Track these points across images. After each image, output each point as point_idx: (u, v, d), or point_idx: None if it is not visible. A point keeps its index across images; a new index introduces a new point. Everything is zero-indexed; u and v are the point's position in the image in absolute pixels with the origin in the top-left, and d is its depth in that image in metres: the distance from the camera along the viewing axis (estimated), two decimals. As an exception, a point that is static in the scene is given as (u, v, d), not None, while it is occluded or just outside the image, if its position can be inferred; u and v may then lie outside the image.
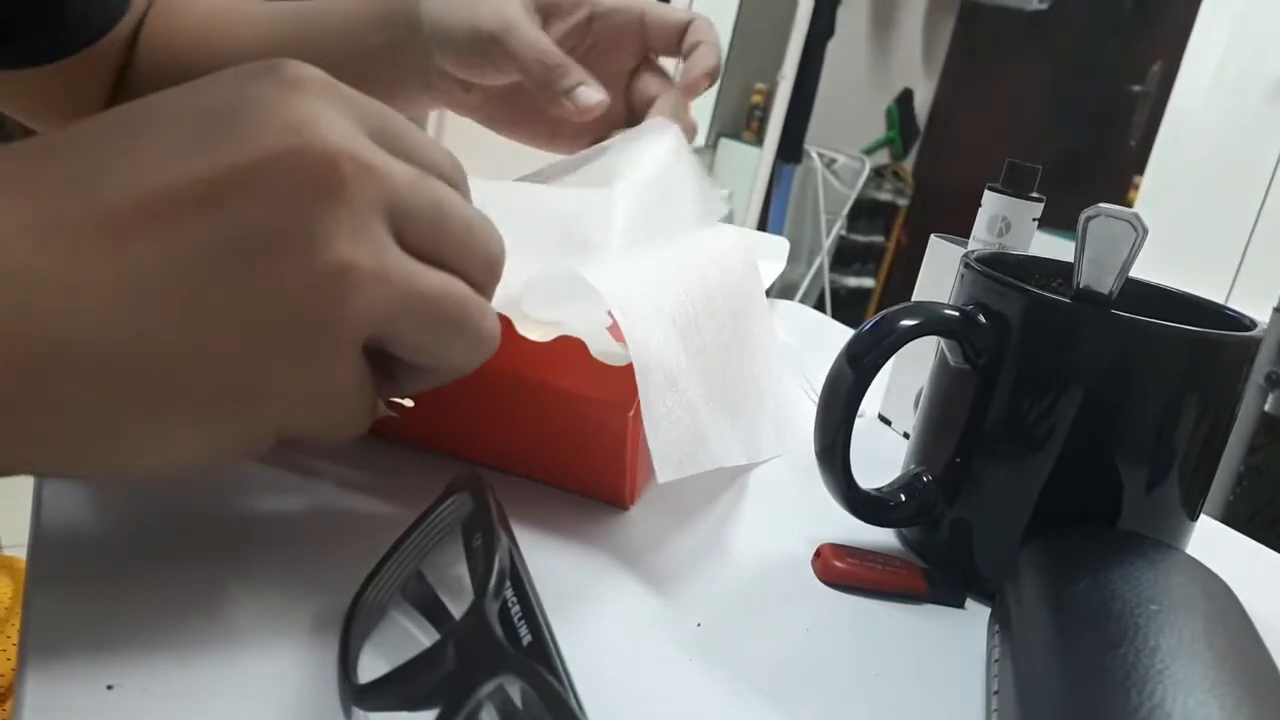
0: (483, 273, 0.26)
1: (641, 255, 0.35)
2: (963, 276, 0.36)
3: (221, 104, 0.23)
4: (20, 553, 0.42)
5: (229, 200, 0.22)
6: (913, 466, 0.37)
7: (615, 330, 0.33)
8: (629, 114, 0.53)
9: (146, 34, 0.52)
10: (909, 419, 0.49)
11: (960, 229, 0.50)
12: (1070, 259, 0.34)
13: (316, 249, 0.22)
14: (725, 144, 3.32)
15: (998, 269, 0.35)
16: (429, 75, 0.49)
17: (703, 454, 0.33)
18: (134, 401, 0.21)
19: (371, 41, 0.49)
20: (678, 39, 0.51)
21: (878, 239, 3.63)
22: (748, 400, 0.40)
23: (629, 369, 0.31)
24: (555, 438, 0.34)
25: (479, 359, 0.26)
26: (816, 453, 0.34)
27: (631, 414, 0.32)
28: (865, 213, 3.55)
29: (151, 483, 0.24)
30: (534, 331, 0.32)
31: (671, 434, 0.31)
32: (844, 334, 0.67)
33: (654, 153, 0.45)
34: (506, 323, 0.31)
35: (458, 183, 0.27)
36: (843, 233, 3.47)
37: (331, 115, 0.23)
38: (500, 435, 0.35)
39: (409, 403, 0.34)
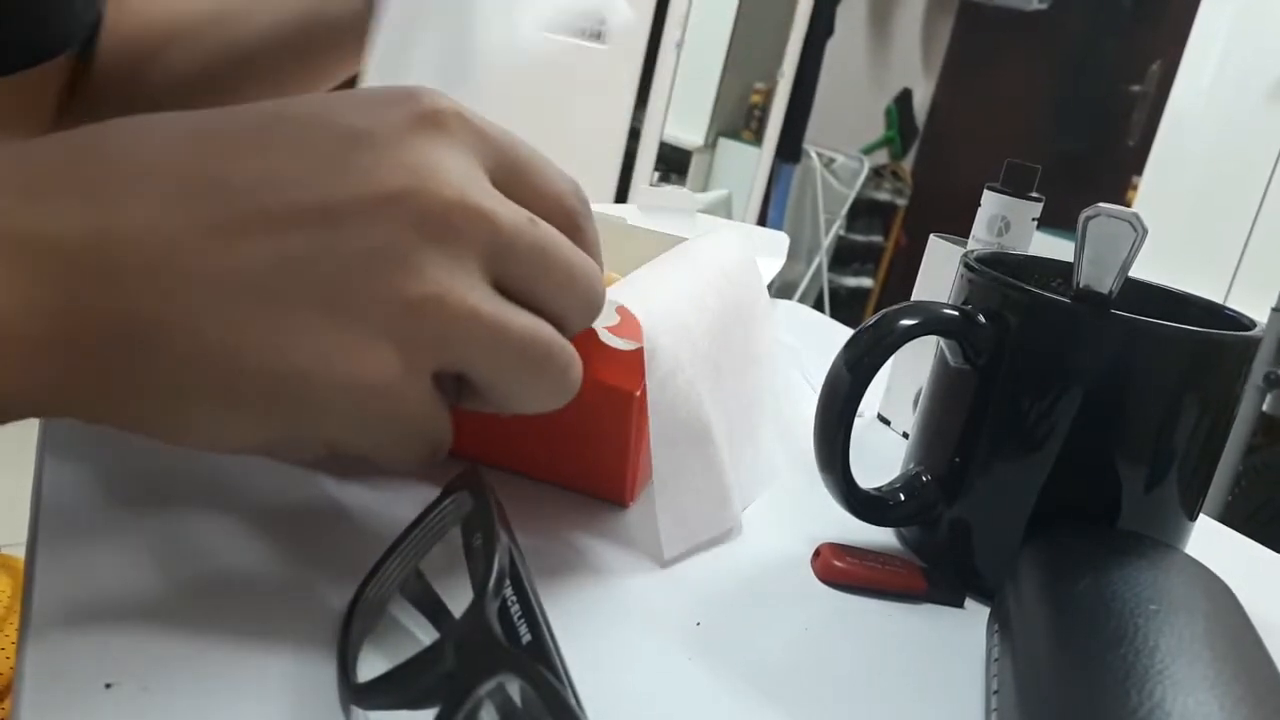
0: (580, 316, 0.27)
1: (662, 275, 0.35)
2: (962, 276, 0.36)
3: (355, 130, 0.24)
4: (19, 551, 0.42)
5: (344, 224, 0.23)
6: (912, 466, 0.37)
7: (620, 328, 0.33)
8: None
9: (106, 33, 0.52)
10: (908, 419, 0.49)
11: (959, 229, 0.50)
12: (1069, 259, 0.34)
13: (411, 276, 0.23)
14: (724, 144, 3.31)
15: (997, 269, 0.35)
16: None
17: (721, 515, 0.34)
18: (203, 389, 0.23)
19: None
20: None
21: (877, 239, 3.63)
22: (764, 417, 0.40)
23: (637, 355, 0.31)
24: (559, 428, 0.34)
25: (556, 405, 0.27)
26: (816, 452, 0.34)
27: (637, 396, 0.32)
28: (864, 212, 3.55)
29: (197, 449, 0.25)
30: None
31: (687, 504, 0.32)
32: (843, 334, 0.67)
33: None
34: None
35: (576, 213, 0.27)
36: (841, 232, 3.47)
37: (452, 159, 0.24)
38: (503, 428, 0.35)
39: None
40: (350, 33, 0.53)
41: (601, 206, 0.53)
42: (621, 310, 0.33)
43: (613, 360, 0.32)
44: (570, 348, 0.27)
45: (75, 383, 0.22)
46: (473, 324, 0.24)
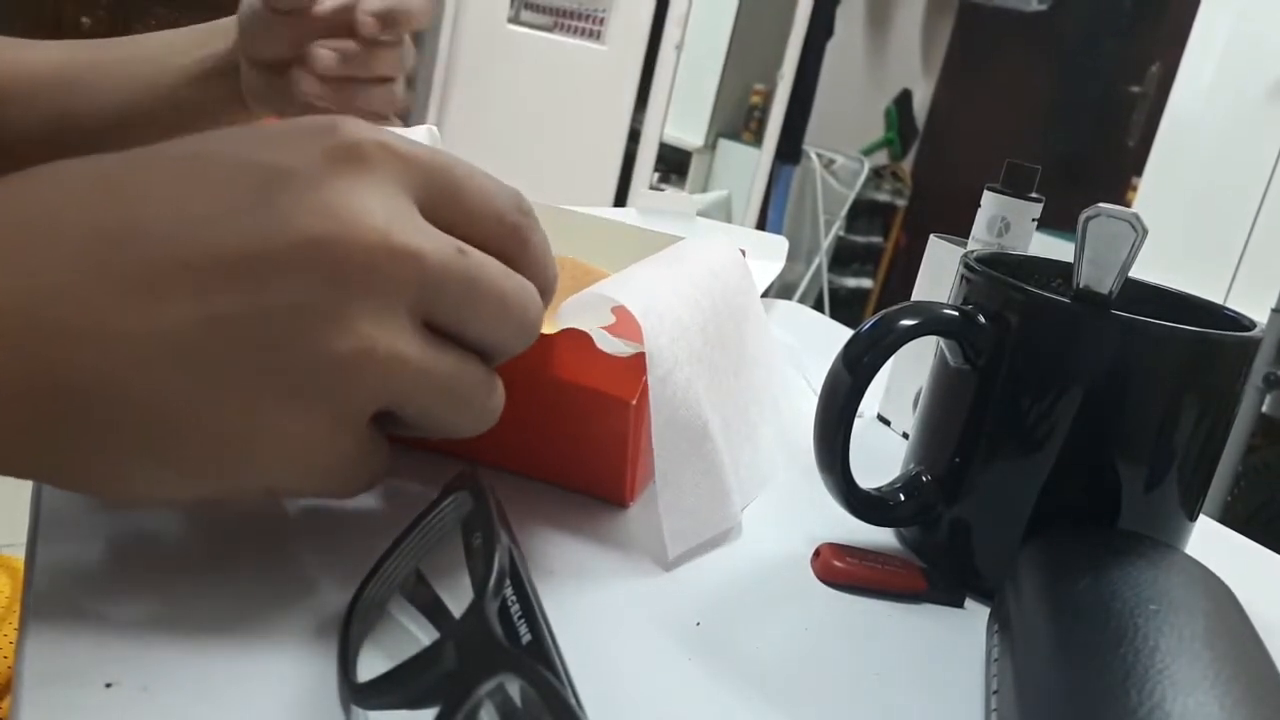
0: (513, 344, 0.27)
1: (657, 274, 0.35)
2: (962, 277, 0.36)
3: (272, 168, 0.23)
4: (18, 552, 0.42)
5: (265, 276, 0.23)
6: (912, 466, 0.37)
7: (616, 328, 0.33)
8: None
9: None
10: (908, 419, 0.49)
11: (959, 229, 0.50)
12: (1069, 259, 0.34)
13: (339, 332, 0.23)
14: (724, 144, 3.32)
15: (997, 269, 0.35)
16: (239, 82, 0.54)
17: (723, 513, 0.34)
18: (134, 449, 0.23)
19: (195, 56, 0.53)
20: None
21: (876, 239, 3.63)
22: (762, 417, 0.40)
23: (633, 362, 0.31)
24: (557, 433, 0.34)
25: (478, 431, 0.27)
26: (816, 452, 0.34)
27: (634, 404, 0.32)
28: (864, 213, 3.55)
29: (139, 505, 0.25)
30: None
31: (689, 503, 0.32)
32: (843, 334, 0.67)
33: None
34: None
35: (517, 227, 0.27)
36: (841, 233, 3.47)
37: (374, 196, 0.24)
38: (502, 431, 0.35)
39: None
40: (199, 119, 0.55)
41: (600, 210, 0.54)
42: (618, 310, 0.33)
43: (610, 367, 0.32)
44: (494, 380, 0.27)
45: (6, 441, 0.22)
46: (402, 372, 0.24)
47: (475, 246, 0.25)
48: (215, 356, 0.22)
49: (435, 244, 0.24)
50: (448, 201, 0.25)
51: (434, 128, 0.50)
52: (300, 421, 0.23)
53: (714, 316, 0.36)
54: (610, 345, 0.32)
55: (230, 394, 0.23)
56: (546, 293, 0.28)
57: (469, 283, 0.25)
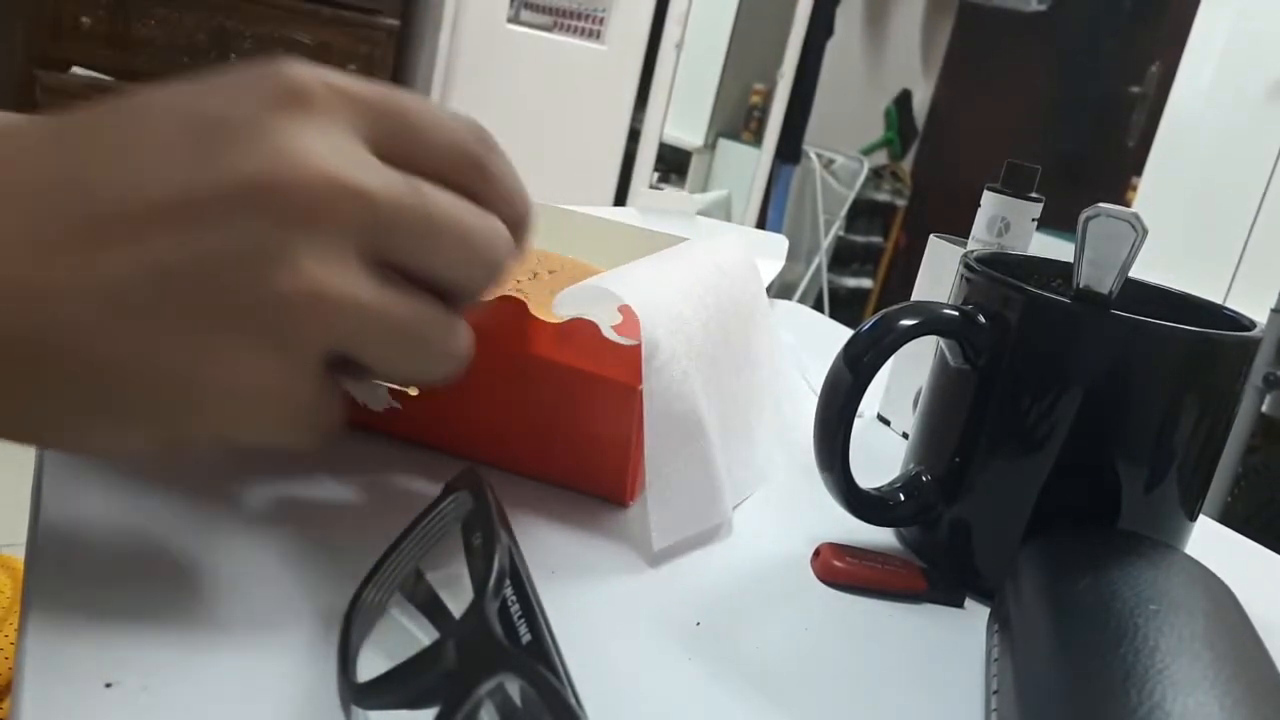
0: (480, 280, 0.26)
1: (660, 271, 0.35)
2: (962, 277, 0.36)
3: (215, 115, 0.23)
4: (18, 551, 0.42)
5: (206, 221, 0.22)
6: (912, 466, 0.37)
7: (623, 327, 0.33)
8: None
9: None
10: (908, 419, 0.49)
11: (959, 229, 0.50)
12: (1069, 259, 0.34)
13: (284, 273, 0.22)
14: (724, 144, 3.31)
15: (997, 269, 0.35)
16: None
17: (711, 509, 0.34)
18: (89, 403, 0.23)
19: None
20: None
21: (876, 239, 3.63)
22: (760, 418, 0.40)
23: (636, 352, 0.31)
24: (559, 424, 0.35)
25: (444, 375, 0.26)
26: (816, 452, 0.34)
27: (639, 390, 0.32)
28: (864, 213, 3.55)
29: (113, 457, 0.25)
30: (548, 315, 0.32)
31: (677, 496, 0.33)
32: (843, 334, 0.67)
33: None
34: (518, 303, 0.32)
35: (477, 158, 0.26)
36: (841, 233, 3.47)
37: (319, 136, 0.23)
38: (504, 425, 0.35)
39: (414, 391, 0.34)
40: None
41: (600, 210, 0.54)
42: (625, 309, 0.33)
43: (614, 356, 0.32)
44: (455, 321, 0.26)
45: None
46: (353, 313, 0.23)
47: (435, 183, 0.25)
48: (158, 303, 0.22)
49: (385, 181, 0.24)
50: (400, 137, 0.25)
51: None
52: (249, 367, 0.23)
53: (718, 314, 0.36)
54: (616, 336, 0.32)
55: (176, 341, 0.22)
56: (518, 226, 0.27)
57: (425, 220, 0.24)
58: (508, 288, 0.38)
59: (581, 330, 0.32)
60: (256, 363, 0.23)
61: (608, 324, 0.33)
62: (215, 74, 0.24)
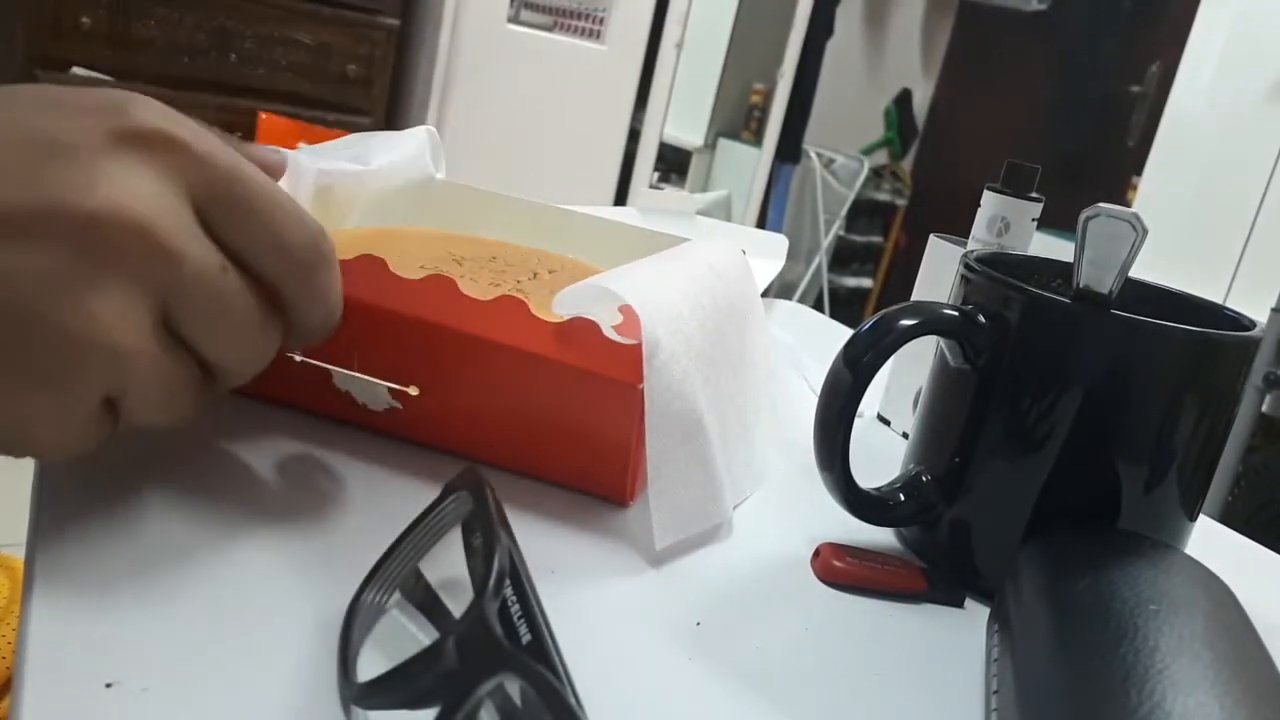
0: (236, 372, 0.26)
1: (659, 271, 0.36)
2: (962, 277, 0.36)
3: (54, 139, 0.23)
4: (18, 552, 0.42)
5: (19, 238, 0.22)
6: (912, 466, 0.37)
7: (623, 327, 0.33)
8: None
9: None
10: (908, 419, 0.49)
11: (959, 229, 0.50)
12: (1069, 259, 0.34)
13: (71, 306, 0.22)
14: (724, 144, 3.31)
15: (997, 269, 0.35)
16: None
17: (712, 508, 0.34)
18: None
19: None
20: None
21: (876, 239, 3.63)
22: (758, 418, 0.40)
23: (637, 351, 0.31)
24: (560, 426, 0.35)
25: (169, 427, 0.27)
26: (816, 452, 0.34)
27: (640, 389, 0.32)
28: (864, 213, 3.55)
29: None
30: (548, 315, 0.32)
31: (678, 495, 0.33)
32: (843, 334, 0.67)
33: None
34: (519, 304, 0.32)
35: (301, 264, 0.26)
36: (841, 233, 3.47)
37: (148, 183, 0.23)
38: (505, 424, 0.35)
39: (414, 390, 0.34)
40: None
41: (600, 210, 0.54)
42: (624, 309, 0.33)
43: (615, 355, 0.32)
44: (205, 385, 0.26)
45: None
46: (128, 365, 0.24)
47: (247, 265, 0.25)
48: None
49: (199, 252, 0.24)
50: (231, 211, 0.25)
51: (433, 129, 0.50)
52: (17, 396, 0.23)
53: (714, 314, 0.36)
54: (617, 335, 0.32)
55: None
56: (316, 330, 0.28)
57: (217, 301, 0.25)
58: (508, 287, 0.38)
59: (582, 329, 0.32)
60: (25, 393, 0.23)
61: (608, 324, 0.33)
62: (74, 92, 0.24)
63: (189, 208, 0.24)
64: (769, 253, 0.59)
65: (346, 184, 0.43)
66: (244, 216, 0.25)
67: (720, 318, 0.37)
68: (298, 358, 0.33)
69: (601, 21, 2.26)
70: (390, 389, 0.34)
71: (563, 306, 0.33)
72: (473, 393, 0.34)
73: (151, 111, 0.24)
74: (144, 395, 0.25)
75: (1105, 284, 0.33)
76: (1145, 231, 0.31)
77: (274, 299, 0.26)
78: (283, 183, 0.35)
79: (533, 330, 0.32)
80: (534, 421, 0.34)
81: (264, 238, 0.25)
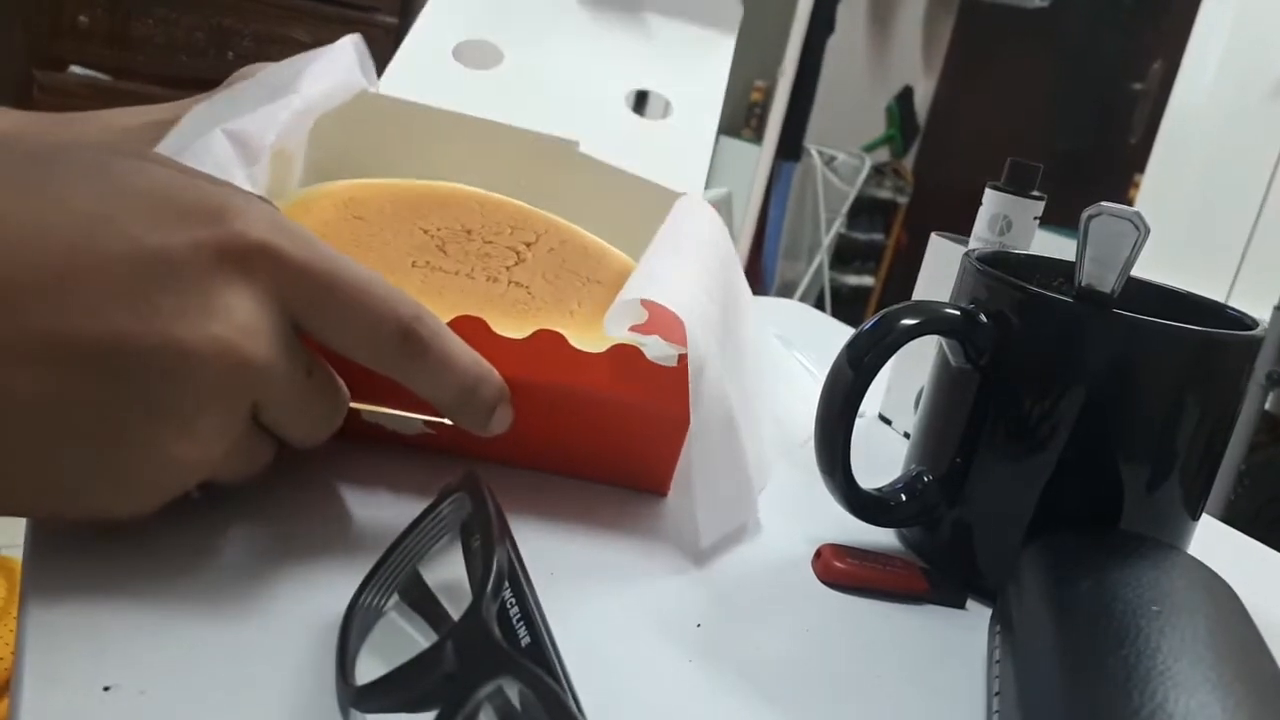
0: (314, 441, 0.29)
1: (680, 266, 0.35)
2: (964, 275, 0.36)
3: (155, 255, 0.24)
4: (16, 553, 0.42)
5: (132, 373, 0.23)
6: (913, 466, 0.37)
7: (648, 324, 0.33)
8: None
9: None
10: (909, 419, 0.49)
11: (960, 227, 0.50)
12: (1072, 258, 0.34)
13: (183, 438, 0.25)
14: (724, 141, 3.31)
15: (999, 268, 0.35)
16: None
17: (747, 502, 0.35)
18: None
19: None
20: None
21: (878, 237, 3.63)
22: (763, 410, 0.40)
23: (681, 370, 0.31)
24: (601, 439, 0.35)
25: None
26: (816, 452, 0.34)
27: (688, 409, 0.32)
28: (865, 210, 3.54)
29: None
30: (586, 343, 0.32)
31: (718, 494, 0.33)
32: (844, 333, 0.67)
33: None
34: (558, 339, 0.31)
35: (399, 344, 0.28)
36: (842, 231, 3.47)
37: (249, 311, 0.25)
38: (543, 439, 0.35)
39: (450, 421, 0.34)
40: None
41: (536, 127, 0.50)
42: (648, 304, 0.33)
43: (661, 381, 0.32)
44: (269, 458, 0.29)
45: None
46: (222, 462, 0.26)
47: (347, 351, 0.27)
48: (59, 430, 0.23)
49: (288, 365, 0.26)
50: (323, 314, 0.27)
51: (358, 37, 0.47)
52: (126, 501, 0.25)
53: (724, 309, 0.36)
54: (655, 351, 0.32)
55: (65, 470, 0.24)
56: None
57: (302, 403, 0.27)
58: (502, 283, 0.37)
59: (626, 358, 0.32)
60: (133, 500, 0.25)
61: (632, 322, 0.33)
62: (179, 185, 0.25)
63: (285, 320, 0.26)
64: (719, 21, 0.57)
65: (293, 135, 0.41)
66: (339, 316, 0.27)
67: (727, 310, 0.37)
68: None
69: (602, 19, 2.25)
70: (425, 420, 0.34)
71: (614, 327, 0.33)
72: (514, 418, 0.34)
73: (251, 220, 0.25)
74: (226, 471, 0.27)
75: (1107, 283, 0.32)
76: (1147, 230, 0.31)
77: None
78: (233, 170, 0.34)
79: (578, 365, 0.32)
80: (571, 436, 0.35)
81: (355, 324, 0.27)
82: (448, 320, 0.32)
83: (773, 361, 0.48)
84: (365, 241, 0.37)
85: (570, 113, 0.49)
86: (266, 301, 0.25)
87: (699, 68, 0.52)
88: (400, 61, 0.49)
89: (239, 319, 0.25)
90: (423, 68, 0.49)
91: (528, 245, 0.39)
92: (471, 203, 0.41)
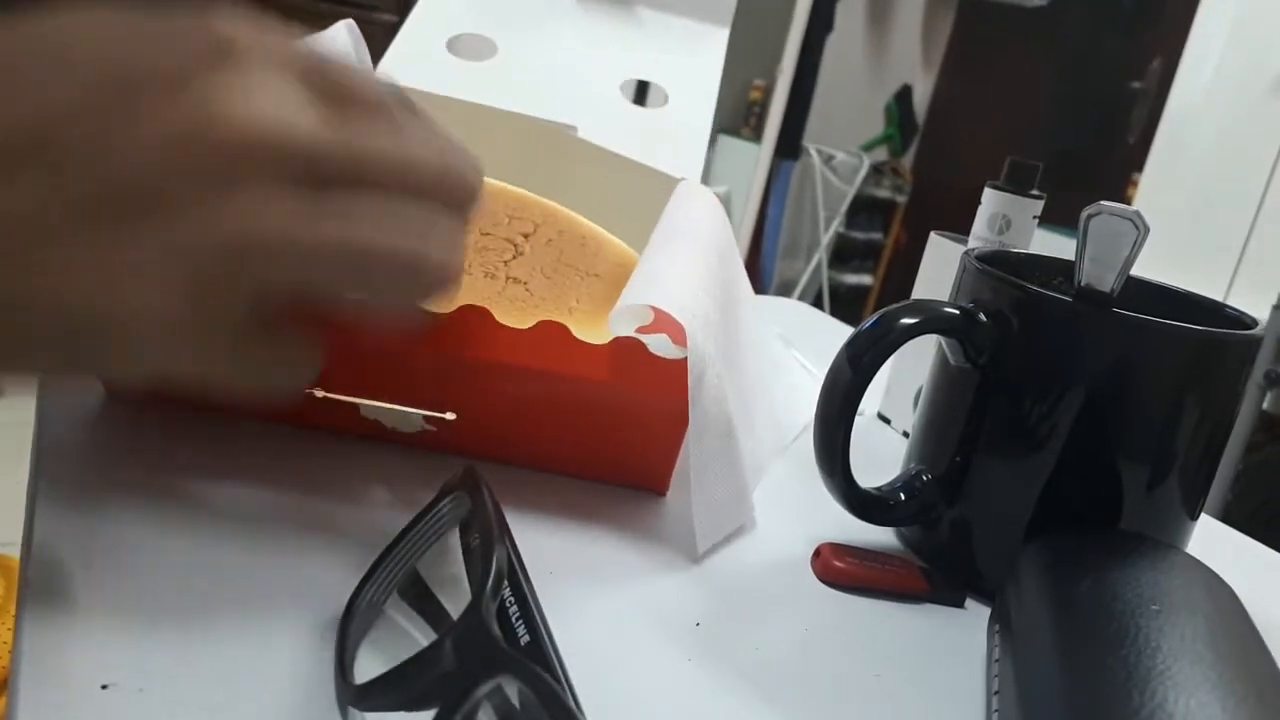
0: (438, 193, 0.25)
1: (679, 264, 0.35)
2: (963, 274, 0.36)
3: (142, 66, 0.23)
4: (14, 551, 0.42)
5: (129, 163, 0.22)
6: (912, 466, 0.37)
7: (654, 326, 0.33)
8: None
9: None
10: (909, 418, 0.49)
11: (959, 226, 0.50)
12: (1071, 257, 0.34)
13: (203, 225, 0.22)
14: (723, 140, 3.31)
15: (998, 267, 0.35)
16: None
17: (741, 508, 0.35)
18: None
19: None
20: None
21: (877, 236, 3.63)
22: (758, 407, 0.40)
23: (684, 365, 0.31)
24: (603, 434, 0.35)
25: (429, 288, 0.25)
26: (816, 452, 0.34)
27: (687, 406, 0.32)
28: (864, 209, 3.54)
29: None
30: (589, 335, 0.32)
31: (716, 499, 0.33)
32: (843, 332, 0.67)
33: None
34: (561, 329, 0.31)
35: (398, 120, 0.26)
36: (841, 230, 3.47)
37: (249, 89, 0.23)
38: (544, 436, 0.35)
39: (450, 415, 0.34)
40: None
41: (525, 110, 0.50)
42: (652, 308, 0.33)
43: (664, 373, 0.32)
44: (417, 237, 0.25)
45: None
46: (286, 247, 0.23)
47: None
48: (65, 227, 0.22)
49: (311, 120, 0.24)
50: (328, 90, 0.25)
51: (352, 22, 0.48)
52: (155, 297, 0.22)
53: (723, 307, 0.36)
54: (660, 348, 0.32)
55: (81, 265, 0.22)
56: (433, 165, 0.26)
57: (352, 155, 0.24)
58: (500, 279, 0.37)
59: (630, 350, 0.32)
60: (164, 293, 0.22)
61: (638, 323, 0.33)
62: (141, 15, 0.24)
63: (290, 84, 0.24)
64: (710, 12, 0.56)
65: None
66: (339, 90, 0.25)
67: (726, 309, 0.37)
68: (319, 393, 0.33)
69: (601, 18, 2.25)
70: (424, 415, 0.34)
71: (619, 326, 0.33)
72: (514, 412, 0.34)
73: (226, 20, 0.24)
74: (331, 260, 0.24)
75: (1107, 282, 0.32)
76: (1147, 230, 0.31)
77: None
78: None
79: (581, 356, 0.32)
80: (571, 432, 0.35)
81: (361, 98, 0.25)
82: (449, 311, 0.32)
83: (770, 355, 0.48)
84: None
85: (566, 102, 0.49)
86: (268, 78, 0.24)
87: (693, 58, 0.52)
88: (395, 53, 0.49)
89: (239, 99, 0.23)
90: (417, 59, 0.49)
91: (525, 237, 0.39)
92: None
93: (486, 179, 0.41)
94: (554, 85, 0.49)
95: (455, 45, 0.50)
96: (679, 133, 0.49)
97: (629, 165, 0.46)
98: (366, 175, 0.24)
